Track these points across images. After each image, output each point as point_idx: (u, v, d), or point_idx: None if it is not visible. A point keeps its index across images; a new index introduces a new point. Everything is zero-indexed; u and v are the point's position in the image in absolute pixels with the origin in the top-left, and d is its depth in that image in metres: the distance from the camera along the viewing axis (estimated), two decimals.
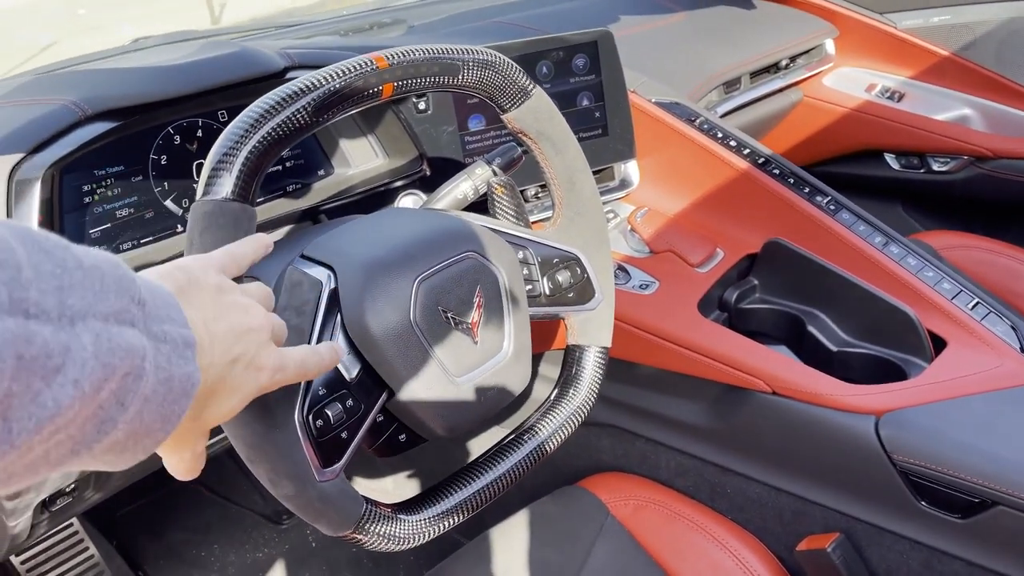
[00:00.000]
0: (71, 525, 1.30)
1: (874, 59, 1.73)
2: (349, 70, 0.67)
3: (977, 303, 0.99)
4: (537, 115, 0.82)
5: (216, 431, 0.55)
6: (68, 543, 1.29)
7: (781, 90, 1.68)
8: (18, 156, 0.78)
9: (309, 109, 0.65)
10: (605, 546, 1.02)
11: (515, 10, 1.65)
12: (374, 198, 1.11)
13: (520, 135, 0.84)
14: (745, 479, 1.04)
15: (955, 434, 0.86)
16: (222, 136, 0.62)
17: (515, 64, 0.79)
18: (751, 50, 1.60)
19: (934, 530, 0.89)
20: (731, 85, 1.55)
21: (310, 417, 0.65)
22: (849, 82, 1.75)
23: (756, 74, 1.62)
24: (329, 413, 0.67)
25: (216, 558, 1.48)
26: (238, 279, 0.56)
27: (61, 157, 0.80)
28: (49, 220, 0.81)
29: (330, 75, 0.66)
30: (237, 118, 0.63)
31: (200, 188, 0.61)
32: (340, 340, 0.69)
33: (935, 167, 1.71)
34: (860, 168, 1.81)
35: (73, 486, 0.88)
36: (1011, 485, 0.81)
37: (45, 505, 0.87)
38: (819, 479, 0.97)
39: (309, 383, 0.66)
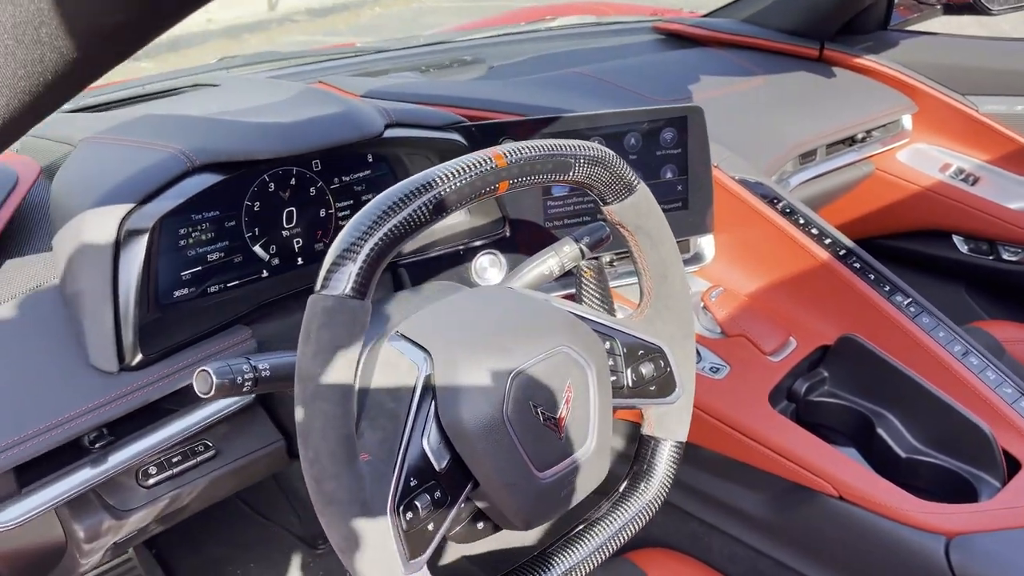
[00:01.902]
0: None
1: (951, 139, 1.71)
2: (469, 168, 0.67)
3: None
4: (638, 210, 0.82)
5: None
6: None
7: (854, 163, 1.67)
8: (129, 206, 0.80)
9: (430, 207, 0.65)
10: None
11: (595, 58, 1.65)
12: (453, 256, 1.12)
13: (618, 227, 0.84)
14: None
15: None
16: (345, 230, 0.62)
17: (623, 160, 0.80)
18: (829, 122, 1.59)
19: None
20: (807, 157, 1.55)
21: (401, 508, 0.66)
22: (923, 159, 1.74)
23: (832, 146, 1.61)
24: (418, 504, 0.67)
25: None
26: None
27: (170, 210, 0.81)
28: (147, 264, 0.82)
29: (451, 173, 0.66)
30: (361, 212, 0.63)
31: (319, 281, 0.62)
32: (433, 430, 0.70)
33: (1005, 256, 1.69)
34: (926, 247, 1.79)
35: (144, 526, 0.90)
36: None
37: (116, 544, 0.89)
38: None
39: (401, 473, 0.67)
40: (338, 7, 8.83)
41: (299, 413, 0.61)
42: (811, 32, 1.77)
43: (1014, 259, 1.68)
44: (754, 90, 1.62)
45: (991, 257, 1.72)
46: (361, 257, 0.62)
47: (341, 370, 0.61)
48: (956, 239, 1.75)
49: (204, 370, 0.67)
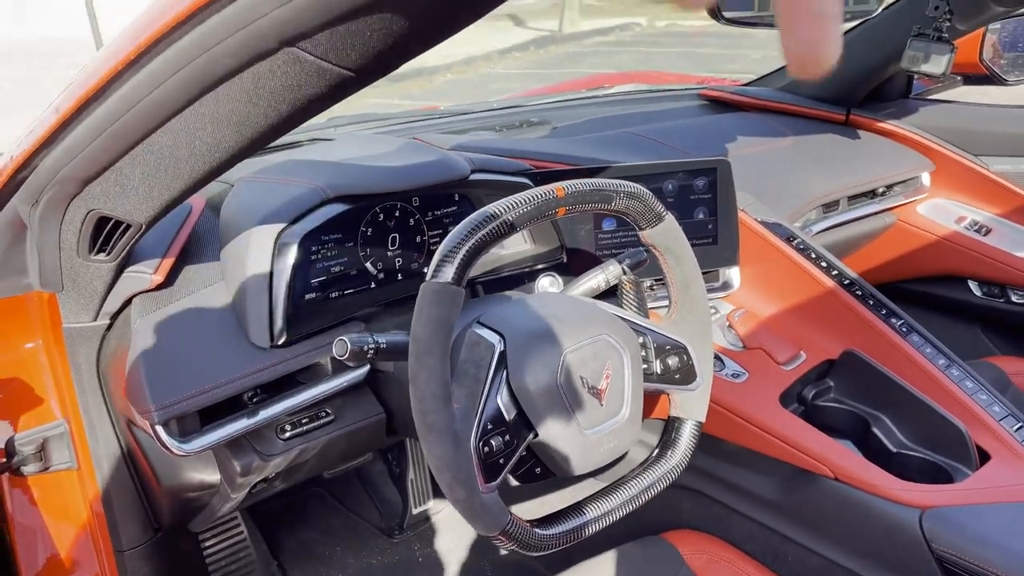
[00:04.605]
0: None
1: (966, 194, 1.91)
2: (537, 197, 0.92)
3: (1022, 427, 1.16)
4: (666, 235, 1.05)
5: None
6: (230, 524, 1.57)
7: (876, 213, 1.88)
8: (282, 225, 1.07)
9: (508, 224, 0.89)
10: None
11: (645, 121, 1.91)
12: (519, 277, 1.37)
13: (651, 247, 1.07)
14: (805, 550, 1.22)
15: (986, 533, 1.04)
16: (449, 237, 0.87)
17: (653, 195, 1.03)
18: (852, 177, 1.81)
19: None
20: (830, 207, 1.76)
21: (480, 443, 0.89)
22: (941, 212, 1.93)
23: (854, 198, 1.82)
24: (493, 443, 0.90)
25: (338, 558, 1.74)
26: None
27: (311, 230, 1.08)
28: (294, 273, 1.08)
29: (524, 200, 0.91)
30: (460, 225, 0.88)
31: (430, 272, 0.86)
32: (504, 391, 0.93)
33: (1014, 299, 1.87)
34: (944, 291, 1.98)
35: (274, 475, 1.15)
36: None
37: (253, 486, 1.14)
38: (868, 557, 1.15)
39: (480, 418, 0.90)
40: (412, 73, 9.37)
41: (411, 364, 0.85)
42: (839, 99, 2.00)
43: (1022, 301, 1.86)
44: (784, 149, 1.85)
45: (1002, 300, 1.89)
46: (460, 256, 0.86)
47: (442, 334, 0.85)
48: (971, 284, 1.93)
49: (342, 339, 0.92)
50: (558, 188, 0.94)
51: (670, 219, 1.05)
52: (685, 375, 1.08)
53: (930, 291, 2.01)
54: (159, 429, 0.98)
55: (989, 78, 2.01)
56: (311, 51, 0.62)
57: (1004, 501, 1.07)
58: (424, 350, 0.85)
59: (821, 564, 1.21)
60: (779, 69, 2.15)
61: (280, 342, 1.07)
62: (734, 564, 1.23)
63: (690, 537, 1.30)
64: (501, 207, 0.90)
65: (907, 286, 2.03)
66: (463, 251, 0.86)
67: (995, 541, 1.03)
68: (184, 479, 1.10)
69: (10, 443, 1.09)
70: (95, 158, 0.83)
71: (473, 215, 0.89)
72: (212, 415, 1.03)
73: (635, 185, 1.01)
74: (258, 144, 0.79)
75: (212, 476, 1.11)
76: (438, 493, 1.86)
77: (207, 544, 1.54)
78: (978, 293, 1.94)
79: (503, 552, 1.74)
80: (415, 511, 1.83)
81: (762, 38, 2.13)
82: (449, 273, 0.86)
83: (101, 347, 1.11)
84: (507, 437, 0.91)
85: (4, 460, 1.08)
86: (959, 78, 2.06)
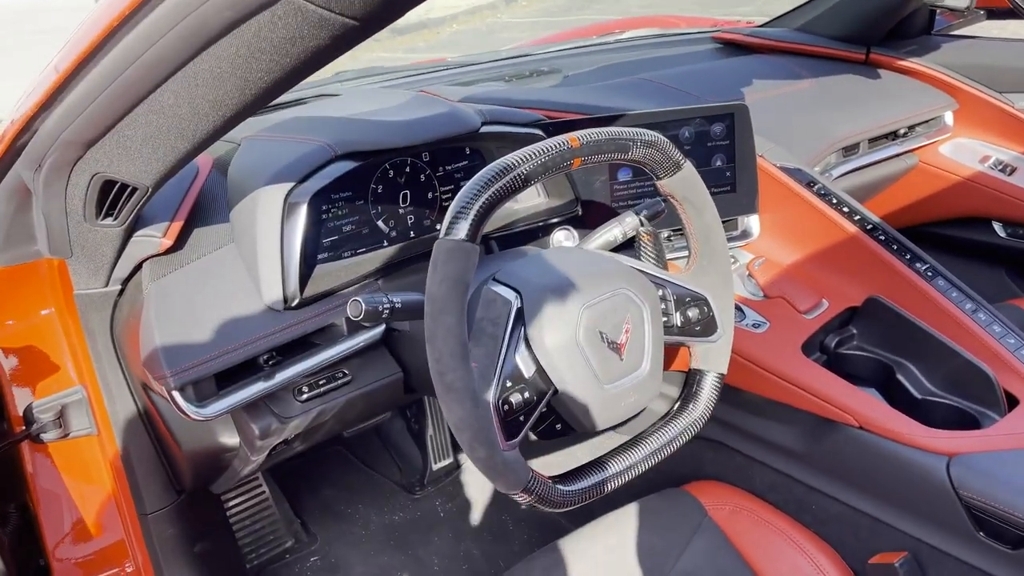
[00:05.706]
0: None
1: (990, 133, 1.86)
2: (551, 148, 0.89)
3: None
4: (684, 184, 1.02)
5: None
6: (252, 484, 1.58)
7: (898, 155, 1.83)
8: (291, 184, 1.04)
9: (522, 177, 0.87)
10: (701, 541, 1.21)
11: (658, 67, 1.86)
12: (534, 231, 1.34)
13: (669, 197, 1.04)
14: (828, 498, 1.21)
15: (1014, 479, 1.02)
16: (462, 192, 0.85)
17: (671, 143, 1.00)
18: (872, 118, 1.76)
19: (988, 558, 1.04)
20: (850, 150, 1.72)
21: (500, 401, 0.88)
22: (964, 152, 1.88)
23: (875, 140, 1.78)
24: (512, 400, 0.89)
25: (360, 515, 1.75)
26: None
27: (320, 189, 1.06)
28: (305, 233, 1.06)
29: (538, 151, 0.88)
30: (472, 180, 0.85)
31: (443, 229, 0.84)
32: (523, 348, 0.91)
33: None
34: (968, 233, 1.94)
35: (293, 436, 1.14)
36: None
37: (273, 448, 1.13)
38: (894, 504, 1.14)
39: (499, 376, 0.89)
40: (416, 25, 9.21)
41: (428, 324, 0.84)
42: (859, 38, 1.94)
43: None
44: (803, 91, 1.80)
45: None
46: (473, 212, 0.84)
47: (458, 292, 0.83)
48: (996, 225, 1.89)
49: (356, 299, 0.90)
50: (572, 138, 0.91)
51: (688, 167, 1.02)
52: (706, 327, 1.06)
53: (953, 234, 1.97)
54: (176, 395, 0.97)
55: (1013, 12, 1.93)
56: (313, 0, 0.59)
57: None
58: (440, 309, 0.83)
59: (844, 512, 1.20)
60: (795, 9, 2.08)
61: (294, 304, 1.05)
62: (757, 514, 1.22)
63: (713, 488, 1.29)
64: (514, 160, 0.87)
65: (930, 229, 1.99)
66: (476, 206, 0.84)
67: (1023, 486, 1.01)
68: (204, 442, 1.10)
69: (28, 411, 1.08)
70: (95, 120, 0.80)
71: (485, 169, 0.86)
72: (228, 379, 1.02)
73: (652, 133, 0.98)
74: (262, 101, 0.77)
75: (231, 439, 1.11)
76: (458, 449, 1.86)
77: (230, 505, 1.56)
78: (1002, 234, 1.90)
79: (524, 506, 1.75)
80: (435, 467, 1.83)
81: None
82: (463, 230, 0.83)
83: (114, 313, 1.10)
84: (527, 394, 0.90)
85: (23, 428, 1.08)
86: (982, 12, 1.99)
